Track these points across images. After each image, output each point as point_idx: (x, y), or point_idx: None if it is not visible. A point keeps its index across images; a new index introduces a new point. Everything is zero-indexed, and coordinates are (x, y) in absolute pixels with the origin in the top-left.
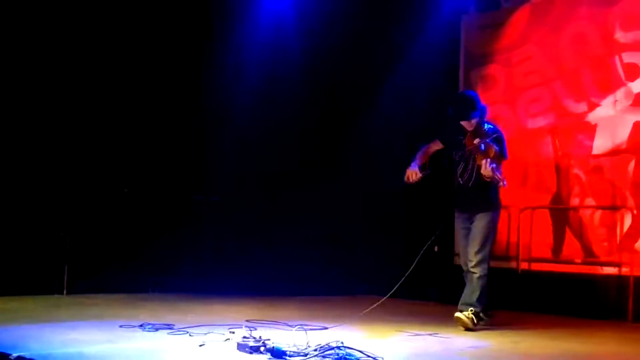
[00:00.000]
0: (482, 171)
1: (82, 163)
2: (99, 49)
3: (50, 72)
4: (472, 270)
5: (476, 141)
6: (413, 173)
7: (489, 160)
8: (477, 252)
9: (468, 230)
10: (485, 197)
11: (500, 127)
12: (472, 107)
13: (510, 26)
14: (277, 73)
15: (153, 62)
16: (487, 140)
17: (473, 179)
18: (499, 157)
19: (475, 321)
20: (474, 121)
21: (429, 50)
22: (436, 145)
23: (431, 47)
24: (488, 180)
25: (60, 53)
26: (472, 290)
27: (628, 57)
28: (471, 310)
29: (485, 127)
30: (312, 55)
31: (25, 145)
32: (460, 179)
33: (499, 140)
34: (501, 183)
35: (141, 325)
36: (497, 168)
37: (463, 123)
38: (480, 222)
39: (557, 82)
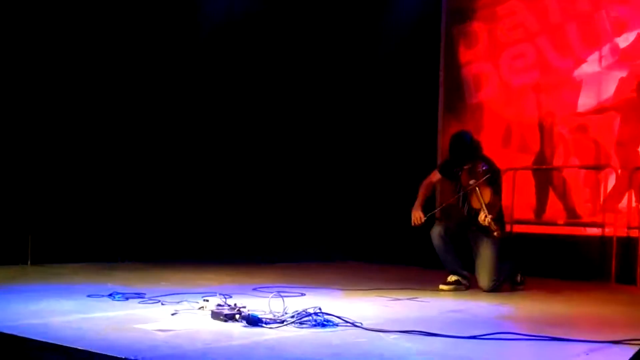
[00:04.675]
0: (481, 221)
1: (49, 130)
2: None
3: (22, 64)
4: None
5: (472, 182)
6: (418, 217)
7: (489, 216)
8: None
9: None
10: None
11: (494, 162)
12: (467, 152)
13: None
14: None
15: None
16: (481, 180)
17: (471, 214)
18: (495, 198)
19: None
20: (466, 166)
21: (408, 5)
22: (435, 177)
23: (410, 1)
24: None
25: (30, 52)
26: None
27: (614, 11)
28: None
29: (481, 167)
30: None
31: None
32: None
33: (492, 181)
34: (495, 233)
35: (110, 295)
36: (494, 210)
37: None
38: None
39: (542, 37)
